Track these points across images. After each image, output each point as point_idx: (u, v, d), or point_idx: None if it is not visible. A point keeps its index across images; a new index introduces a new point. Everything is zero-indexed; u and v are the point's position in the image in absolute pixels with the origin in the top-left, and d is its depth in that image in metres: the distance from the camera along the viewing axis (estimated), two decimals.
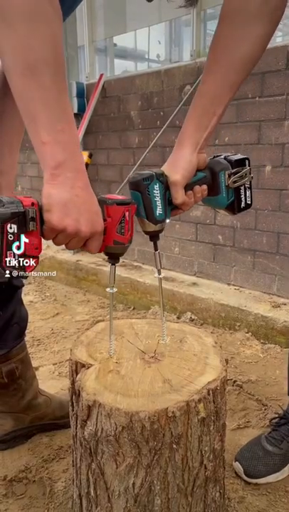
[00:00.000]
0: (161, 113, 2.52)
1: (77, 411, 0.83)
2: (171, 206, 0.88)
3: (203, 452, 0.83)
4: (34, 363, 1.38)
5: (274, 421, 1.27)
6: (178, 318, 2.30)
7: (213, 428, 0.84)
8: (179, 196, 0.86)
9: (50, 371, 1.80)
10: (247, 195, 0.94)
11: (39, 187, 3.58)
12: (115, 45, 3.67)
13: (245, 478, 1.15)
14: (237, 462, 1.18)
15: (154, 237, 0.90)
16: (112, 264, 0.85)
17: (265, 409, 1.50)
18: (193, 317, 2.28)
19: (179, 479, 0.81)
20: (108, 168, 2.93)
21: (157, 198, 0.84)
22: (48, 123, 0.68)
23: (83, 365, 0.87)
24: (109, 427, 0.76)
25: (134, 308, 2.51)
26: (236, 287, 2.35)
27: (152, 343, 0.98)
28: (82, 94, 2.95)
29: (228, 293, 2.29)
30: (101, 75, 2.83)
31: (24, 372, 1.27)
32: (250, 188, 0.94)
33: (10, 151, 1.12)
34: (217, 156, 0.93)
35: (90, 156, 2.85)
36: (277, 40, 2.24)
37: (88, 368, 0.87)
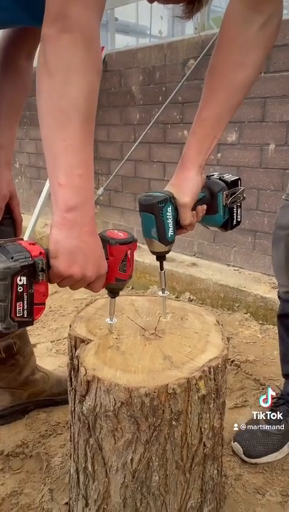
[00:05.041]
0: (164, 88, 2.46)
1: (76, 386, 0.82)
2: (177, 226, 0.90)
3: (202, 430, 0.82)
4: (32, 340, 1.38)
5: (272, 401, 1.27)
6: (176, 298, 2.29)
7: (213, 406, 0.83)
8: (187, 217, 0.89)
9: (47, 348, 1.79)
10: (238, 213, 0.99)
11: (37, 164, 3.52)
12: (116, 19, 3.56)
13: (245, 458, 1.16)
14: (236, 442, 1.18)
15: (161, 257, 0.93)
16: (112, 298, 0.87)
17: (262, 389, 1.50)
18: (192, 297, 2.27)
19: (177, 456, 0.80)
20: (108, 145, 2.88)
21: (170, 220, 0.86)
22: (68, 167, 0.70)
23: (82, 341, 0.86)
24: (108, 402, 0.75)
25: (132, 288, 2.50)
26: (236, 268, 2.33)
27: (153, 320, 0.96)
28: None
29: (228, 274, 2.28)
30: (102, 48, 2.75)
31: (22, 347, 1.26)
32: (240, 206, 0.99)
33: (9, 126, 1.12)
34: (211, 175, 0.97)
35: None
36: (284, 12, 2.17)
37: (88, 343, 0.85)
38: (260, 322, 2.01)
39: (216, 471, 0.92)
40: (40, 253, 0.69)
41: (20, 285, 0.66)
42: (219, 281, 2.18)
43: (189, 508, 0.87)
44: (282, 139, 2.02)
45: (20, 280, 0.66)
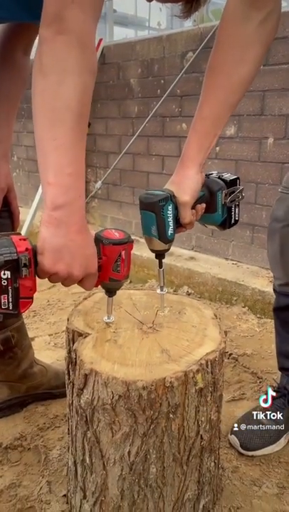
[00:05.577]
0: (162, 81, 2.45)
1: (74, 379, 0.82)
2: (176, 225, 0.90)
3: (199, 422, 0.82)
4: (30, 334, 1.38)
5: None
6: (175, 291, 2.29)
7: (210, 399, 0.83)
8: (187, 216, 0.89)
9: (45, 342, 1.80)
10: (236, 212, 1.00)
11: (35, 157, 3.49)
12: (115, 11, 3.53)
13: (242, 451, 1.16)
14: (233, 435, 1.18)
15: (160, 255, 0.93)
16: (110, 297, 0.87)
17: (260, 382, 1.50)
18: (190, 291, 2.27)
19: (174, 448, 0.81)
20: (106, 138, 2.87)
21: (170, 219, 0.87)
22: (58, 166, 0.71)
23: (80, 334, 0.86)
24: (106, 395, 0.75)
25: (130, 282, 2.50)
26: (234, 262, 2.33)
27: (150, 313, 0.96)
28: None
29: (226, 267, 2.28)
30: (100, 40, 2.73)
31: (20, 341, 1.27)
32: (238, 205, 1.00)
33: (7, 120, 1.13)
34: (210, 174, 0.97)
35: (88, 125, 2.77)
36: (284, 4, 2.15)
37: (85, 336, 0.85)
38: (258, 316, 2.02)
39: (213, 464, 0.92)
40: (27, 249, 0.70)
41: (4, 279, 0.68)
42: (217, 275, 2.18)
43: (186, 500, 0.88)
44: (281, 132, 2.01)
45: (4, 274, 0.68)
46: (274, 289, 1.26)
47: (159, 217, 0.85)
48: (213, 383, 0.82)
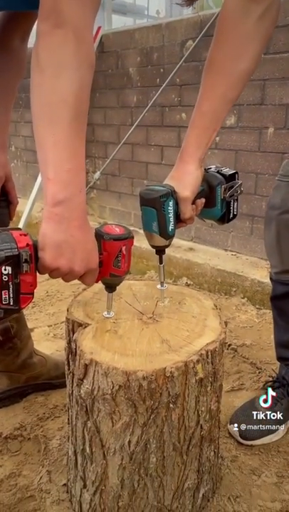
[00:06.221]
0: (162, 70, 2.42)
1: (74, 369, 0.82)
2: (176, 220, 0.90)
3: (199, 412, 0.82)
4: (29, 325, 1.37)
5: (268, 384, 1.28)
6: (174, 282, 2.29)
7: (210, 389, 0.83)
8: (187, 211, 0.89)
9: (45, 333, 1.79)
10: (235, 206, 0.99)
11: (33, 147, 3.47)
12: None
13: (241, 440, 1.17)
14: (232, 425, 1.19)
15: (161, 251, 0.94)
16: (109, 292, 0.87)
17: (259, 373, 1.51)
18: (189, 282, 2.27)
19: (174, 438, 0.81)
20: (105, 128, 2.84)
21: (171, 215, 0.86)
22: (57, 161, 0.70)
23: (80, 325, 0.86)
24: (106, 385, 0.75)
25: (130, 273, 2.49)
26: (233, 253, 2.33)
27: (150, 304, 0.96)
28: None
29: (225, 258, 2.27)
30: (98, 28, 2.70)
31: (19, 331, 1.27)
32: (237, 200, 0.99)
33: (4, 109, 1.13)
34: (208, 169, 0.97)
35: None
36: None
37: (85, 327, 0.85)
38: (257, 307, 2.02)
39: (212, 453, 0.93)
40: (27, 245, 0.69)
41: (5, 274, 0.68)
42: (216, 266, 2.18)
43: (186, 489, 0.88)
44: (282, 122, 1.99)
45: (5, 270, 0.68)
46: (270, 278, 1.26)
47: (160, 213, 0.85)
48: (213, 373, 0.82)
